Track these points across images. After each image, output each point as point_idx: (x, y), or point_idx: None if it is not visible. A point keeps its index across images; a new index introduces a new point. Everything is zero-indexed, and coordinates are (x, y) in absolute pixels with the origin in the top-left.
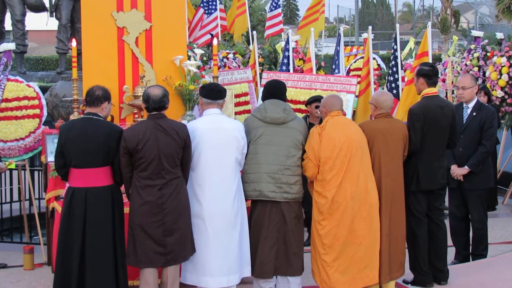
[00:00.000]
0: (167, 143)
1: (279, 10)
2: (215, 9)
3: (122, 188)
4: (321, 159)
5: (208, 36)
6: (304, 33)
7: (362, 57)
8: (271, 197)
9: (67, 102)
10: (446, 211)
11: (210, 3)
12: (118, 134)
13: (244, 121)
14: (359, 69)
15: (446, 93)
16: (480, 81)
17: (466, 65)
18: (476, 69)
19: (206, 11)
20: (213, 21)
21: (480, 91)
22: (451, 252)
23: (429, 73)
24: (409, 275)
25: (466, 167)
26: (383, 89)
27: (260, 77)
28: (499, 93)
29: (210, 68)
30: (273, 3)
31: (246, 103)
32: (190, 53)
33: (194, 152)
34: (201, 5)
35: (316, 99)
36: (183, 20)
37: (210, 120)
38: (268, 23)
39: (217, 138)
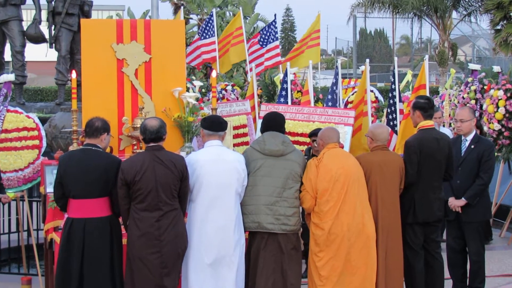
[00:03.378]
0: (164, 174)
1: (277, 43)
2: (213, 35)
3: (121, 219)
4: (318, 191)
5: (203, 57)
6: (294, 63)
7: None
8: (269, 228)
9: (66, 133)
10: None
11: (208, 28)
12: (117, 165)
13: (243, 153)
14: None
15: (450, 124)
16: (477, 114)
17: (463, 98)
18: (473, 102)
19: (201, 36)
20: (211, 44)
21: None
22: (448, 285)
23: (425, 106)
24: None
25: (463, 199)
26: (380, 121)
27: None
28: (496, 126)
29: (208, 100)
30: (270, 36)
31: (245, 135)
32: (189, 85)
33: (195, 183)
34: (198, 31)
35: (314, 133)
36: (182, 52)
37: (211, 151)
38: (267, 55)
39: (218, 170)
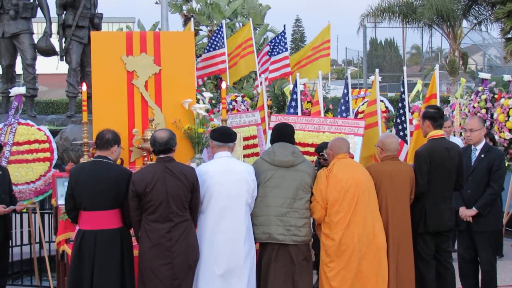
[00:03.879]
0: (175, 186)
1: (287, 53)
2: (222, 46)
3: (132, 231)
4: (329, 201)
5: (213, 69)
6: (303, 73)
7: None
8: (280, 239)
9: (77, 146)
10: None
11: (217, 40)
12: (128, 177)
13: (253, 164)
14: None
15: (460, 134)
16: (488, 123)
17: (473, 107)
18: (483, 111)
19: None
20: (220, 56)
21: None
22: None
23: (434, 116)
24: None
25: (474, 208)
26: (391, 131)
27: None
28: (507, 135)
29: (218, 111)
30: (279, 47)
31: (255, 146)
32: (199, 96)
33: (205, 194)
34: (207, 45)
35: (321, 147)
36: (192, 63)
37: (221, 163)
38: (273, 66)
39: (227, 181)
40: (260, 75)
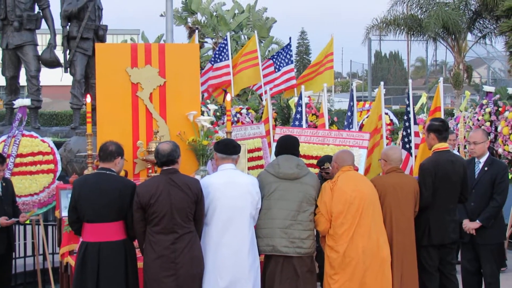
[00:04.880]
0: (179, 198)
1: (292, 66)
2: (227, 58)
3: (136, 243)
4: (333, 214)
5: (210, 82)
6: (308, 87)
7: None
8: (284, 252)
9: (81, 157)
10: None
11: (222, 53)
12: (131, 189)
13: (257, 176)
14: None
15: (458, 148)
16: (492, 136)
17: (478, 120)
18: (488, 124)
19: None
20: (224, 68)
21: None
22: None
23: (439, 128)
24: None
25: (477, 221)
26: (395, 144)
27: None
28: (511, 148)
29: (223, 123)
30: (284, 59)
31: (259, 158)
32: (203, 109)
33: (209, 206)
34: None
35: (322, 160)
36: (197, 75)
37: (225, 175)
38: (278, 80)
39: (231, 193)
40: (264, 85)
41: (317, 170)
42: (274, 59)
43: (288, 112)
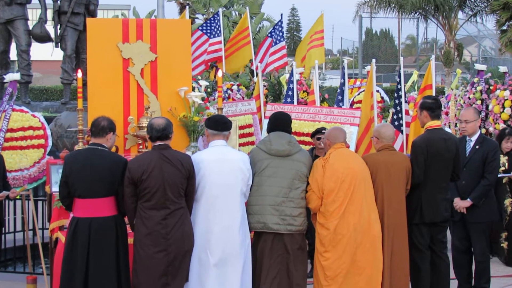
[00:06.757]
0: (171, 173)
1: (283, 43)
2: (219, 34)
3: (126, 219)
4: (324, 191)
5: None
6: (299, 63)
7: None
8: (275, 229)
9: (71, 133)
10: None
11: (213, 28)
12: (123, 165)
13: (249, 153)
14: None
15: (449, 126)
16: (483, 114)
17: (469, 98)
18: (479, 102)
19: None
20: (216, 44)
21: (509, 137)
22: (453, 285)
23: (432, 106)
24: None
25: (468, 200)
26: (386, 121)
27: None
28: (502, 126)
29: (214, 99)
30: (277, 36)
31: (250, 134)
32: (194, 85)
33: (199, 183)
34: (200, 28)
35: (318, 131)
36: (188, 51)
37: (216, 151)
38: (272, 57)
39: (222, 170)
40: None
41: (308, 147)
42: (272, 37)
43: (279, 89)
